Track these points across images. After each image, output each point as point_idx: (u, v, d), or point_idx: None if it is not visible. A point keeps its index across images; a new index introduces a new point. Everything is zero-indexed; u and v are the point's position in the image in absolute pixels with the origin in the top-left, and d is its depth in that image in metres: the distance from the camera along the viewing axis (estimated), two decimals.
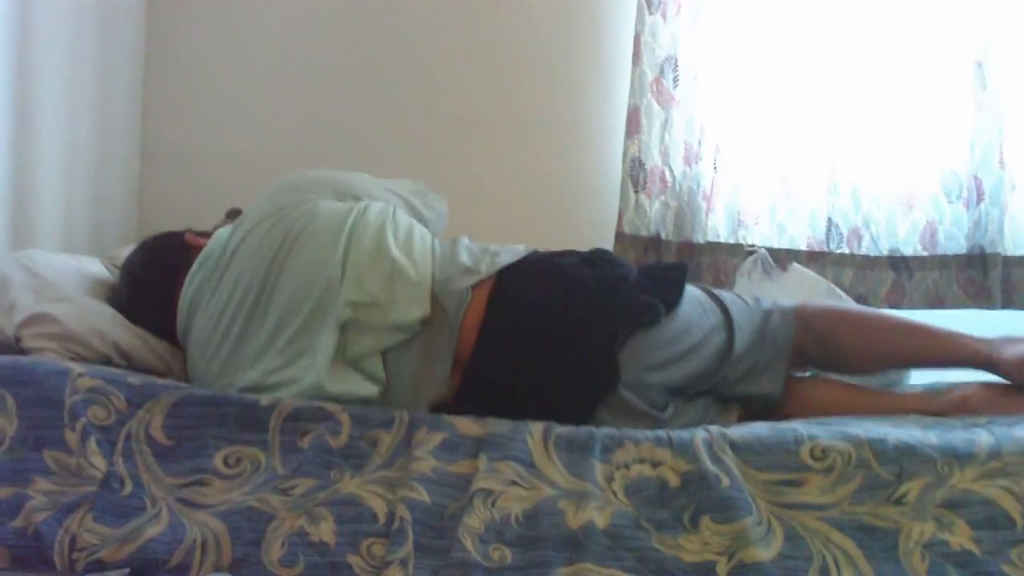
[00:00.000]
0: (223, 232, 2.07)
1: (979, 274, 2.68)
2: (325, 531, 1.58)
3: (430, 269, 1.94)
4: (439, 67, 3.01)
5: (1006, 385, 1.96)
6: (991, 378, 1.97)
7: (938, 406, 1.94)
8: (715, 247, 2.85)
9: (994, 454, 1.62)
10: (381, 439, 1.70)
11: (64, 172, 2.61)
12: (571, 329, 1.87)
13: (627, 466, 1.65)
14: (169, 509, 1.62)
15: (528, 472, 1.64)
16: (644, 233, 2.86)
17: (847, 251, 2.78)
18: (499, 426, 1.71)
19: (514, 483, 1.62)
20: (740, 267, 2.68)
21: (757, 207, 2.84)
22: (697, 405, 1.95)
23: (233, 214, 2.28)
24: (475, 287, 1.92)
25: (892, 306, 2.72)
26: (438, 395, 1.86)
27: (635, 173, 2.85)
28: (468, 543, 1.55)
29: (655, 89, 2.83)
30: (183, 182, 3.01)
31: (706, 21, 2.82)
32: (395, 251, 1.94)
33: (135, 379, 1.81)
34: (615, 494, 1.61)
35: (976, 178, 2.67)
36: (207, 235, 2.12)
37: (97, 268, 2.25)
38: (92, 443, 1.68)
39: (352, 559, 1.56)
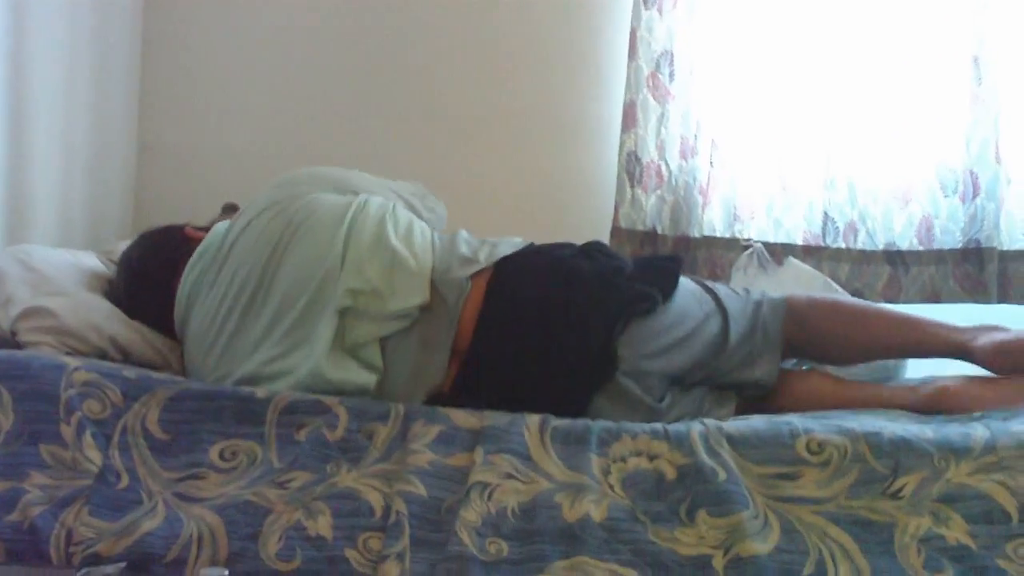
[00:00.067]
0: (221, 226, 2.07)
1: (975, 268, 2.68)
2: (322, 525, 1.58)
3: (430, 260, 1.95)
4: (436, 63, 3.00)
5: (988, 379, 1.96)
6: (976, 371, 1.98)
7: (911, 400, 1.94)
8: (711, 241, 2.85)
9: (989, 448, 1.63)
10: (378, 432, 1.70)
11: (60, 168, 2.61)
12: (569, 319, 1.88)
13: (624, 459, 1.65)
14: (165, 503, 1.62)
15: (525, 465, 1.64)
16: (640, 227, 2.86)
17: (843, 246, 2.78)
18: (496, 419, 1.71)
19: (511, 476, 1.62)
20: (736, 261, 2.68)
21: (753, 201, 2.84)
22: (694, 395, 1.96)
23: (229, 209, 2.28)
24: (474, 277, 1.92)
25: (888, 301, 2.72)
26: (435, 384, 1.87)
27: (631, 168, 2.85)
28: (465, 537, 1.55)
29: (651, 84, 2.83)
30: (180, 178, 3.00)
31: (702, 16, 2.82)
32: (395, 241, 1.95)
33: (131, 373, 1.81)
34: (612, 487, 1.61)
35: (972, 173, 2.67)
36: (206, 230, 2.12)
37: (93, 262, 2.25)
38: (88, 437, 1.68)
39: (349, 553, 1.56)
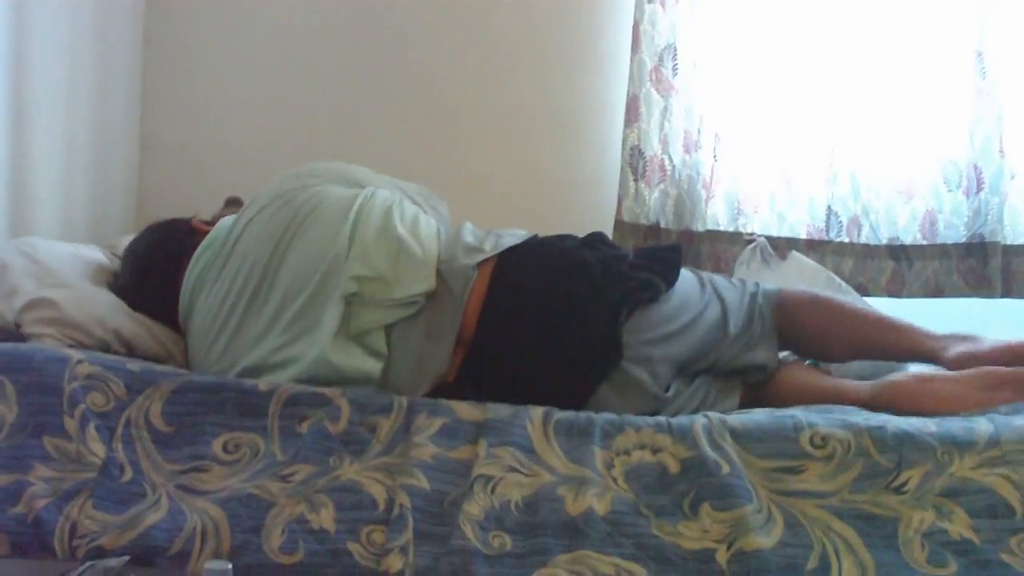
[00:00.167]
0: (227, 220, 2.08)
1: (979, 263, 2.68)
2: (325, 518, 1.58)
3: (436, 250, 1.96)
4: (438, 57, 3.00)
5: (939, 377, 1.89)
6: (936, 370, 1.93)
7: (863, 393, 1.91)
8: (715, 235, 2.85)
9: (993, 442, 1.62)
10: (380, 425, 1.70)
11: (63, 165, 2.61)
12: (573, 308, 1.89)
13: (627, 452, 1.65)
14: (169, 496, 1.62)
15: (528, 458, 1.64)
16: (644, 221, 2.86)
17: (847, 240, 2.79)
18: (499, 411, 1.71)
19: (514, 469, 1.62)
20: (739, 256, 2.68)
21: (757, 195, 2.84)
22: (698, 384, 1.96)
23: (232, 202, 2.29)
24: (479, 266, 1.93)
25: (892, 295, 2.72)
26: (440, 374, 1.87)
27: (634, 162, 2.85)
28: (468, 530, 1.55)
29: (654, 77, 2.83)
30: (182, 175, 3.00)
31: (705, 9, 2.82)
32: (401, 230, 1.96)
33: (134, 365, 1.81)
34: (615, 480, 1.61)
35: (976, 167, 2.67)
36: (212, 223, 2.12)
37: (97, 255, 2.25)
38: (91, 429, 1.68)
39: (352, 546, 1.56)
